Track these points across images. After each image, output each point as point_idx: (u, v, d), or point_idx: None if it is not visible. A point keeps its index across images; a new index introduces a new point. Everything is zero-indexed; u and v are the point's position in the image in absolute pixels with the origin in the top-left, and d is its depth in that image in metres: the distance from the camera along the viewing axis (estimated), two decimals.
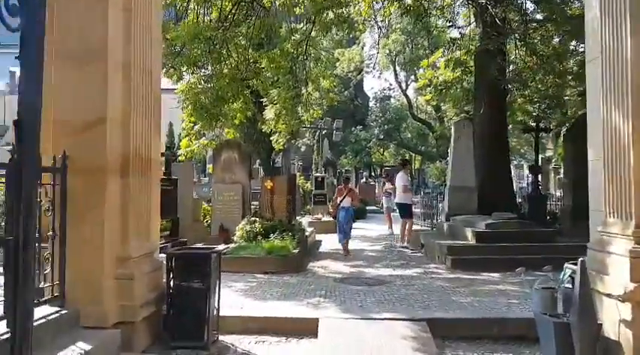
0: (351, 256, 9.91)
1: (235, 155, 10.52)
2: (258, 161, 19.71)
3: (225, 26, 10.64)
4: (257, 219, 10.03)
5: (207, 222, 11.41)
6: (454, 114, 17.83)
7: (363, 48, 33.85)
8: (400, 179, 11.39)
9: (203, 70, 10.30)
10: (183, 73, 9.74)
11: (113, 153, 4.18)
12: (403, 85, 39.30)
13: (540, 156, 26.03)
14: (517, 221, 9.08)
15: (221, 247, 4.80)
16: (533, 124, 13.90)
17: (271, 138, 13.85)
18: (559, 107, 12.64)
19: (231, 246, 9.01)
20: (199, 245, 9.86)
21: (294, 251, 8.50)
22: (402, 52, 34.21)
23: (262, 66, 11.50)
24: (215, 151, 11.02)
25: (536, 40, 9.84)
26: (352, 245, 10.91)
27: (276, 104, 12.00)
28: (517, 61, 10.76)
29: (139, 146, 4.44)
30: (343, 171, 31.58)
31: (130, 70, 4.35)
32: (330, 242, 12.28)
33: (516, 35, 9.97)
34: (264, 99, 12.53)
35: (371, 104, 43.73)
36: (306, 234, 11.13)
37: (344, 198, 10.37)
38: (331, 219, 15.76)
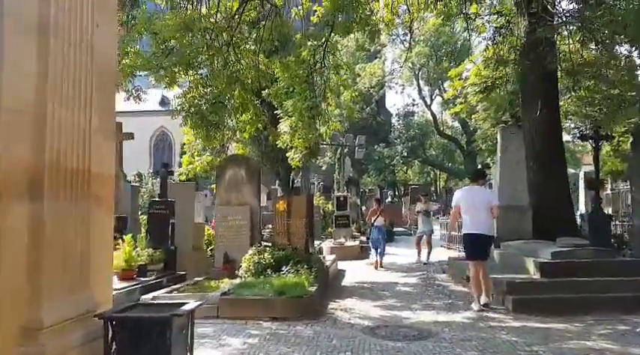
0: (383, 270, 10.88)
1: (242, 172, 8.93)
2: (277, 181, 18.36)
3: (232, 26, 9.28)
4: (267, 247, 8.45)
5: (211, 249, 9.86)
6: (490, 125, 16.04)
7: (384, 62, 32.56)
8: (488, 196, 7.04)
9: (200, 72, 8.75)
10: (176, 75, 8.15)
11: (14, 163, 2.66)
12: (427, 100, 37.85)
13: (581, 170, 23.89)
14: (591, 248, 7.23)
15: (194, 305, 3.17)
16: (587, 131, 11.98)
17: (287, 155, 12.33)
18: (619, 112, 10.69)
19: (235, 281, 7.42)
20: (198, 279, 8.39)
21: (311, 289, 6.84)
22: (425, 64, 32.80)
23: (275, 74, 10.11)
24: (218, 168, 9.46)
25: (598, 26, 7.92)
26: (382, 277, 10.17)
27: (291, 116, 10.53)
28: (571, 54, 8.93)
29: (64, 152, 2.92)
30: (367, 190, 29.91)
31: (50, 36, 2.85)
32: (354, 272, 10.65)
33: (574, 21, 8.16)
34: (279, 111, 11.10)
35: (393, 121, 42.21)
36: (326, 264, 9.47)
37: (377, 217, 11.45)
38: (355, 243, 14.39)
